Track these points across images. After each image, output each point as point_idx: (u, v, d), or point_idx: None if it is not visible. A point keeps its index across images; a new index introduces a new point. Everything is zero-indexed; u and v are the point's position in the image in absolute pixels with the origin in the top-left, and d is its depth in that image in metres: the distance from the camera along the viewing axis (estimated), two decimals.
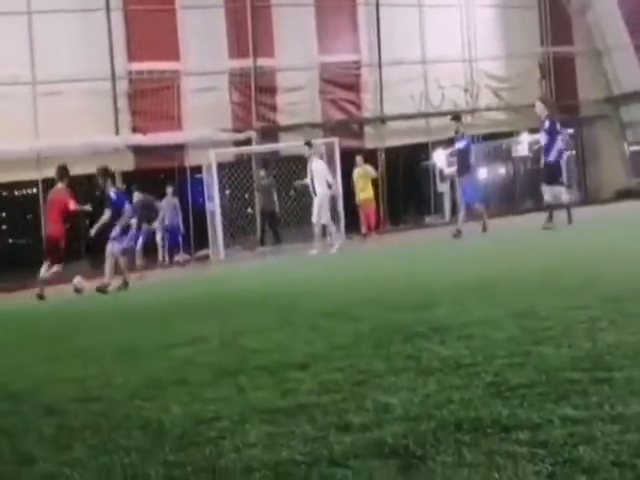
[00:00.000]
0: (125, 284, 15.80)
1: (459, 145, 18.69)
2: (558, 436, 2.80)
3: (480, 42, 29.40)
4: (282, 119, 26.94)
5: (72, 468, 3.13)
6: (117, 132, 24.81)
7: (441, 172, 27.95)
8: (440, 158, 27.57)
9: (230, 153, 25.30)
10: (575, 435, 2.79)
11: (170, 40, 25.41)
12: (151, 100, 25.22)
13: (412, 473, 2.64)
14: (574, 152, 32.25)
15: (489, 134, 29.89)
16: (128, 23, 25.16)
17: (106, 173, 16.30)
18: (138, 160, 24.88)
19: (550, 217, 16.08)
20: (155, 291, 14.92)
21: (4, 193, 28.36)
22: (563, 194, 16.93)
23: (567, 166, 31.54)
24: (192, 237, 25.19)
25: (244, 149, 25.88)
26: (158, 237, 22.24)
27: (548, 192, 16.54)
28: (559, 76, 30.71)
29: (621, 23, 30.03)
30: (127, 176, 23.72)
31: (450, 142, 20.21)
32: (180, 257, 22.97)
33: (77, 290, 16.10)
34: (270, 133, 26.82)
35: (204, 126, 25.09)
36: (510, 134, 30.00)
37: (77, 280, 16.34)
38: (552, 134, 16.49)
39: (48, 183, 24.04)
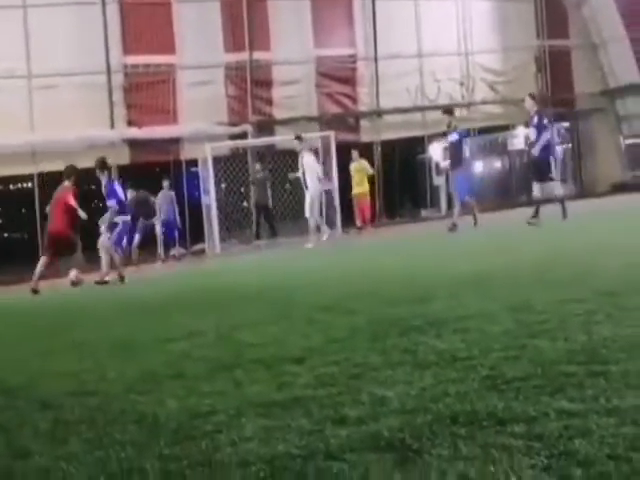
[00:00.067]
0: (121, 278, 15.79)
1: (451, 138, 18.71)
2: (554, 429, 2.81)
3: (476, 35, 29.38)
4: (278, 113, 26.92)
5: (68, 462, 3.13)
6: (112, 126, 24.78)
7: (437, 165, 27.93)
8: (436, 151, 27.57)
9: (226, 147, 25.28)
10: (571, 428, 2.79)
11: (166, 33, 25.38)
12: (147, 94, 25.18)
13: (408, 466, 2.64)
14: (570, 145, 32.30)
15: (485, 127, 29.89)
16: (123, 16, 25.11)
17: (104, 165, 16.27)
18: (133, 154, 24.85)
19: (536, 212, 15.99)
20: (151, 285, 14.91)
21: None
22: (555, 189, 16.90)
23: (563, 159, 31.72)
24: (188, 231, 25.18)
25: (240, 143, 25.85)
26: (158, 232, 22.20)
27: (537, 187, 16.53)
28: (555, 69, 30.69)
29: (617, 16, 30.01)
30: (123, 170, 23.70)
31: (443, 136, 20.24)
32: (176, 251, 22.95)
33: (74, 284, 16.13)
34: (266, 127, 26.79)
35: (200, 120, 25.06)
36: (506, 127, 29.99)
37: (73, 273, 16.37)
38: (540, 129, 16.51)
39: (43, 177, 24.12)
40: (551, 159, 16.71)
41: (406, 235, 20.53)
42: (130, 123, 25.07)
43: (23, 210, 27.32)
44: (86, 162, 21.77)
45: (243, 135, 26.11)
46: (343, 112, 27.98)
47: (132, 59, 25.20)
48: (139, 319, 8.44)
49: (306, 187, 19.84)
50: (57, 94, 23.56)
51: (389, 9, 27.82)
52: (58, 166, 23.46)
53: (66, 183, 16.61)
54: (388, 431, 3.00)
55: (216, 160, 23.72)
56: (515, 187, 30.44)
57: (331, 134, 24.51)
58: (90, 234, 17.53)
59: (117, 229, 16.20)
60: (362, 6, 28.07)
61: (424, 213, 29.28)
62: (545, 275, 7.46)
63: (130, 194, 20.72)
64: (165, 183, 23.24)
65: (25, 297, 15.26)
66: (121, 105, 25.03)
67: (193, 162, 25.14)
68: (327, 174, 23.76)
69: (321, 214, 21.20)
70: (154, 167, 26.60)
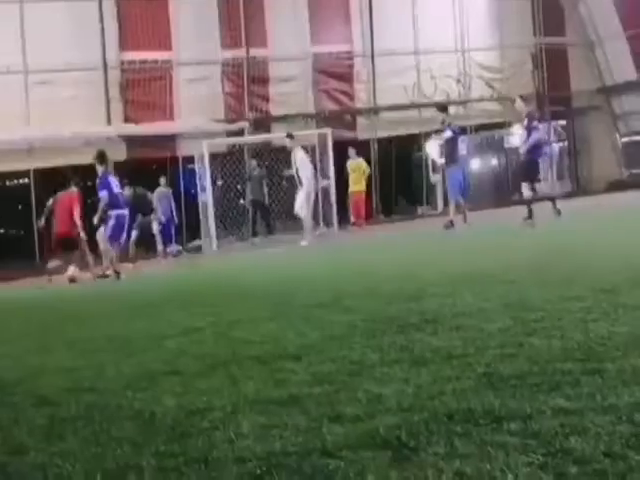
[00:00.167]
0: (117, 274, 15.77)
1: (445, 135, 18.72)
2: (550, 427, 2.81)
3: (473, 33, 29.41)
4: (275, 110, 26.92)
5: (64, 459, 3.13)
6: (109, 122, 24.75)
7: (434, 163, 27.95)
8: (433, 149, 27.57)
9: (223, 144, 25.26)
10: (567, 426, 2.80)
11: (162, 30, 25.37)
12: (143, 90, 25.18)
13: (404, 464, 2.64)
14: (566, 143, 32.34)
15: (482, 125, 29.91)
16: (120, 12, 25.10)
17: (103, 157, 16.24)
18: (130, 150, 24.83)
19: (529, 213, 15.91)
20: (148, 282, 14.91)
21: None
22: (544, 188, 16.86)
23: (559, 158, 31.76)
24: (184, 228, 25.17)
25: (237, 140, 25.84)
26: (155, 229, 22.16)
27: (525, 188, 16.54)
28: (551, 67, 30.72)
29: (613, 14, 30.03)
30: (119, 166, 23.67)
31: (436, 133, 20.27)
32: (173, 248, 22.93)
33: (72, 280, 16.18)
34: (263, 124, 26.79)
35: (196, 116, 25.06)
36: (503, 125, 30.02)
37: (72, 270, 16.43)
38: (529, 130, 16.54)
39: (39, 173, 24.10)
40: (540, 160, 16.70)
41: (402, 232, 20.53)
42: (127, 119, 25.05)
43: (19, 206, 27.27)
44: (82, 158, 21.80)
45: (240, 132, 26.10)
46: (340, 109, 27.98)
47: (129, 55, 25.20)
48: (136, 316, 8.44)
49: (300, 184, 19.78)
50: (53, 90, 23.55)
51: (386, 6, 27.83)
52: (54, 162, 23.56)
53: (73, 188, 17.09)
54: (384, 429, 3.01)
55: (213, 157, 23.70)
56: (512, 185, 30.45)
57: (328, 131, 24.49)
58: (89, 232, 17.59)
59: (110, 223, 15.97)
60: (359, 3, 28.09)
61: (420, 210, 29.29)
62: (541, 273, 7.47)
63: (128, 190, 20.66)
64: (162, 180, 23.22)
65: (22, 293, 15.26)
66: (118, 101, 25.01)
67: (190, 159, 25.11)
68: (323, 171, 23.79)
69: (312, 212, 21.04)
70: (151, 164, 26.57)
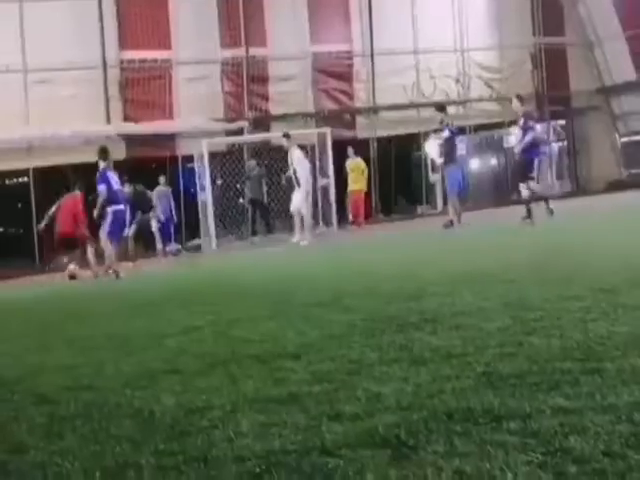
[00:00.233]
0: (115, 273, 15.75)
1: (444, 135, 18.73)
2: (549, 426, 2.81)
3: (472, 32, 29.42)
4: (274, 109, 26.92)
5: (63, 457, 3.13)
6: (108, 121, 24.74)
7: (433, 162, 27.93)
8: (432, 148, 27.54)
9: (222, 143, 25.25)
10: (566, 425, 2.80)
11: (162, 29, 25.37)
12: (143, 89, 25.18)
13: (404, 462, 2.64)
14: (565, 143, 32.35)
15: (481, 125, 29.91)
16: (120, 11, 25.09)
17: (105, 154, 16.21)
18: (129, 149, 24.81)
19: (528, 212, 15.93)
20: (147, 281, 14.90)
21: None
22: (536, 188, 16.77)
23: (559, 157, 31.77)
24: (184, 227, 25.16)
25: (236, 139, 25.83)
26: (154, 227, 22.16)
27: (523, 187, 16.54)
28: (551, 67, 30.72)
29: (613, 14, 30.04)
30: (118, 165, 23.64)
31: (435, 133, 20.27)
32: (172, 247, 22.93)
33: (72, 277, 16.20)
34: (262, 123, 26.77)
35: (196, 115, 25.05)
36: (502, 125, 30.01)
37: (71, 267, 16.46)
38: (525, 130, 16.55)
39: (39, 172, 24.09)
40: (535, 159, 16.65)
41: (402, 232, 20.53)
42: (126, 118, 25.05)
43: (19, 205, 27.26)
44: (82, 157, 21.80)
45: (239, 131, 26.10)
46: (339, 108, 27.98)
47: (128, 54, 25.19)
48: (135, 314, 8.44)
49: (297, 184, 19.71)
50: (53, 89, 23.54)
51: (385, 5, 27.83)
52: (54, 161, 23.56)
53: (76, 191, 17.34)
54: (384, 427, 3.01)
55: (212, 156, 23.69)
56: (510, 184, 30.43)
57: (327, 130, 24.49)
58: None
59: (108, 219, 15.76)
60: (358, 2, 28.09)
61: (420, 210, 29.29)
62: (541, 272, 7.47)
63: (128, 187, 20.63)
64: (161, 179, 23.22)
65: (21, 291, 15.26)
66: (117, 100, 25.00)
67: (189, 158, 25.11)
68: (322, 170, 23.80)
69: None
70: (150, 163, 26.55)
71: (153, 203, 21.93)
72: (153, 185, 22.72)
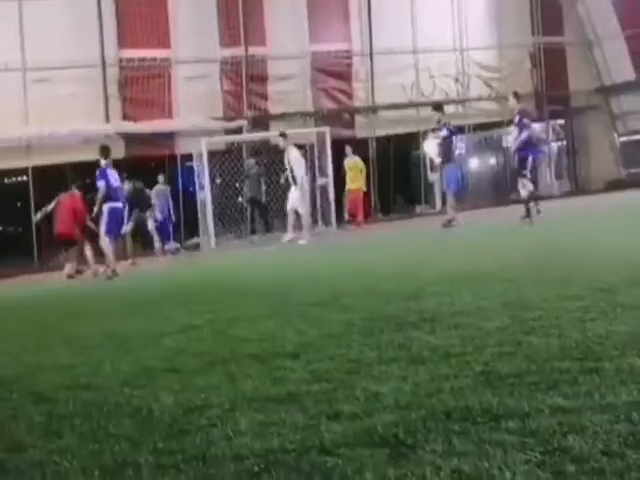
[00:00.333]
0: (113, 272, 15.72)
1: (441, 134, 18.73)
2: (548, 425, 2.81)
3: (471, 32, 29.37)
4: (273, 108, 26.88)
5: (62, 456, 3.13)
6: (107, 120, 24.72)
7: (432, 162, 27.91)
8: (430, 148, 27.51)
9: (221, 142, 25.23)
10: (565, 424, 2.80)
11: (161, 27, 25.33)
12: (142, 88, 25.14)
13: (402, 462, 2.65)
14: (564, 143, 32.34)
15: (480, 124, 29.90)
16: (119, 10, 25.04)
17: (106, 153, 16.18)
18: (128, 148, 24.76)
19: (527, 211, 15.93)
20: (146, 279, 14.90)
21: None
22: (527, 186, 16.72)
23: (557, 157, 31.76)
24: (183, 226, 25.15)
25: (235, 138, 25.81)
26: (151, 226, 22.12)
27: (521, 187, 16.53)
28: (550, 66, 30.68)
29: (612, 13, 30.03)
30: (117, 164, 23.61)
31: (433, 132, 20.27)
32: (171, 246, 22.91)
33: (69, 276, 16.19)
34: (261, 122, 26.75)
35: (195, 114, 25.02)
36: (501, 124, 29.98)
37: (69, 267, 16.45)
38: (520, 128, 16.56)
39: (38, 170, 24.07)
40: (529, 157, 16.61)
41: (401, 231, 20.53)
42: (125, 117, 25.02)
43: (18, 204, 27.24)
44: (81, 156, 21.78)
45: (238, 130, 26.08)
46: (338, 108, 27.96)
47: (127, 53, 25.15)
48: (134, 313, 8.44)
49: (294, 183, 19.67)
50: (52, 87, 23.50)
51: (385, 5, 27.79)
52: (53, 160, 23.54)
53: (74, 190, 17.34)
54: (382, 426, 3.01)
55: (211, 155, 23.66)
56: (510, 184, 30.43)
57: (326, 129, 24.47)
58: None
59: (104, 217, 15.60)
60: (358, 1, 28.04)
61: (419, 209, 29.27)
62: (539, 272, 7.47)
63: (127, 185, 20.60)
64: (160, 178, 23.19)
65: (19, 290, 15.25)
66: (116, 99, 24.97)
67: (188, 157, 25.08)
68: (321, 170, 23.78)
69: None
70: (149, 162, 26.53)
71: (152, 201, 21.91)
72: (152, 184, 22.68)
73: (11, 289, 16.47)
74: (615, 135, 31.49)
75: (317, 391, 3.72)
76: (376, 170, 28.03)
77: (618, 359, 3.65)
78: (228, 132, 25.94)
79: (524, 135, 16.40)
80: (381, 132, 28.27)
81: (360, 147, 26.02)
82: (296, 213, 19.68)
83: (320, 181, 24.17)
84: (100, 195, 15.61)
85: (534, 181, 17.12)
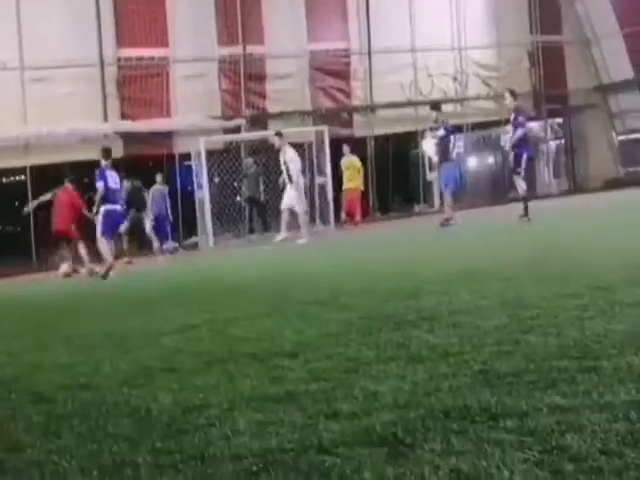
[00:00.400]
0: (107, 271, 15.68)
1: (439, 133, 18.74)
2: (546, 424, 2.82)
3: (470, 31, 29.37)
4: (271, 107, 26.87)
5: (60, 456, 3.13)
6: (106, 119, 24.71)
7: (430, 161, 27.91)
8: (429, 147, 27.53)
9: (219, 141, 25.23)
10: (563, 423, 2.80)
11: (159, 27, 25.32)
12: (140, 87, 25.12)
13: (401, 461, 2.65)
14: (563, 141, 32.35)
15: (478, 123, 29.90)
16: (117, 9, 25.03)
17: (107, 154, 16.16)
18: (127, 147, 24.75)
19: (525, 210, 15.92)
20: (144, 279, 14.89)
21: None
22: (521, 184, 16.66)
23: (556, 155, 31.77)
24: (181, 225, 25.14)
25: (233, 137, 25.80)
26: (148, 225, 22.11)
27: (520, 186, 16.52)
28: (548, 65, 30.68)
29: (610, 12, 30.03)
30: (115, 163, 23.58)
31: (431, 131, 20.29)
32: (169, 245, 22.91)
33: (66, 275, 16.18)
34: (259, 121, 26.74)
35: (193, 113, 25.01)
36: (499, 123, 29.98)
37: (66, 266, 16.43)
38: (515, 126, 16.56)
39: (36, 170, 24.05)
40: (524, 155, 16.59)
41: (399, 230, 20.53)
42: (123, 116, 25.01)
43: (16, 203, 27.22)
44: (79, 155, 21.76)
45: (236, 129, 26.07)
46: (337, 106, 27.95)
47: (125, 52, 25.14)
48: (132, 313, 8.43)
49: (290, 181, 19.63)
50: (50, 87, 23.48)
51: (383, 3, 27.79)
52: (51, 159, 23.52)
53: (68, 185, 17.34)
54: (381, 425, 3.01)
55: (209, 154, 23.65)
56: (508, 182, 30.43)
57: (324, 128, 24.47)
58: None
59: (100, 219, 15.48)
60: (356, 0, 28.04)
61: (417, 208, 29.28)
62: (538, 270, 7.48)
63: (126, 183, 20.58)
64: (158, 177, 23.17)
65: (18, 289, 15.24)
66: (114, 98, 24.96)
67: (186, 156, 25.08)
68: (320, 169, 23.77)
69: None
70: (147, 161, 26.52)
71: (147, 200, 21.88)
72: (150, 183, 22.68)
73: (10, 288, 16.46)
74: (613, 134, 31.50)
75: (315, 390, 3.72)
76: (374, 169, 28.04)
77: (616, 358, 3.65)
78: (226, 131, 25.93)
79: (519, 132, 16.43)
80: (379, 131, 28.27)
81: (358, 146, 26.02)
82: (292, 212, 19.66)
83: (318, 180, 24.16)
84: (98, 196, 15.62)
85: (528, 180, 17.10)
